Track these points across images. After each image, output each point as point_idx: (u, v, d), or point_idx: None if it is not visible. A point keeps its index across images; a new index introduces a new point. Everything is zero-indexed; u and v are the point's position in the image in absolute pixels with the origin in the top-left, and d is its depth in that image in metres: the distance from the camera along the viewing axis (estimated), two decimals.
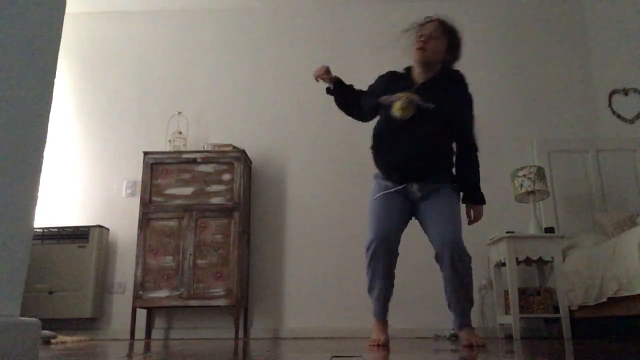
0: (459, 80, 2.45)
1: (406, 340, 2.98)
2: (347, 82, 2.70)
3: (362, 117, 2.68)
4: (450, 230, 2.32)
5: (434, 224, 2.37)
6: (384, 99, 2.39)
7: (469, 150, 2.44)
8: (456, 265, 2.29)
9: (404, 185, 2.37)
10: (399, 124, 2.30)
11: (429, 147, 2.33)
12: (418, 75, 2.43)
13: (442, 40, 2.40)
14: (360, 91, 2.65)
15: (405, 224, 2.47)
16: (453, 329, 3.63)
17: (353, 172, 4.08)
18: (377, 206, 2.42)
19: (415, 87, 2.36)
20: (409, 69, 2.50)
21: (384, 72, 2.63)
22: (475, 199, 2.43)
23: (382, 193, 2.41)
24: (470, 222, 2.49)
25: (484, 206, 2.49)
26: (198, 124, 4.29)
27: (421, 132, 2.31)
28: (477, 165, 2.45)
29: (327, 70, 2.59)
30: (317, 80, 2.62)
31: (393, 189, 2.39)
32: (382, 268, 2.39)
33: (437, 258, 2.39)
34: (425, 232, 2.45)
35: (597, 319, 3.25)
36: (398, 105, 2.28)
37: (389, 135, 2.40)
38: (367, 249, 2.39)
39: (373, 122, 2.57)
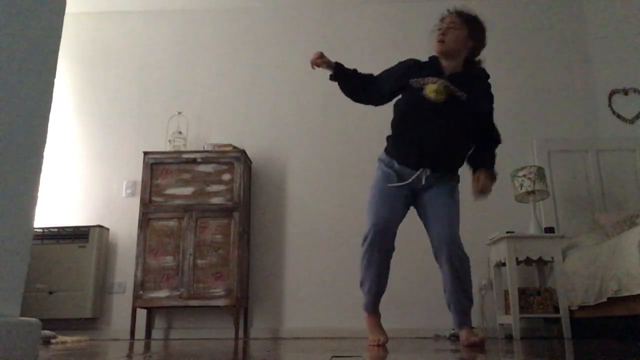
0: (486, 77, 2.49)
1: (406, 340, 2.98)
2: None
3: (373, 100, 2.60)
4: (450, 231, 2.34)
5: (434, 220, 2.37)
6: (416, 80, 2.36)
7: (493, 142, 2.49)
8: (455, 265, 2.31)
9: (413, 177, 2.36)
10: (430, 106, 2.29)
11: (452, 136, 2.34)
12: (446, 67, 2.42)
13: (462, 30, 2.39)
14: (367, 75, 2.58)
15: (404, 214, 2.47)
16: (453, 329, 3.64)
17: (353, 172, 4.08)
18: (379, 194, 2.40)
19: (446, 75, 2.36)
20: (433, 59, 2.48)
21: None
22: (486, 164, 2.43)
23: (388, 185, 2.40)
24: (476, 192, 2.45)
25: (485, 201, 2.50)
26: (198, 124, 4.29)
27: (448, 120, 2.31)
28: (494, 154, 2.50)
29: (322, 55, 2.54)
30: (313, 68, 2.57)
31: (399, 184, 2.37)
32: (377, 259, 2.38)
33: (436, 257, 2.41)
34: (424, 224, 2.44)
35: (597, 319, 3.25)
36: (434, 87, 2.29)
37: (417, 114, 2.36)
38: (365, 239, 2.38)
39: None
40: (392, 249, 2.43)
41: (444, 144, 2.34)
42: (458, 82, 2.34)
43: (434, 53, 2.46)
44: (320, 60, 2.53)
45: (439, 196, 2.39)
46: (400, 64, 2.55)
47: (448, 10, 2.47)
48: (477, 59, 2.51)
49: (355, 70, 2.58)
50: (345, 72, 2.57)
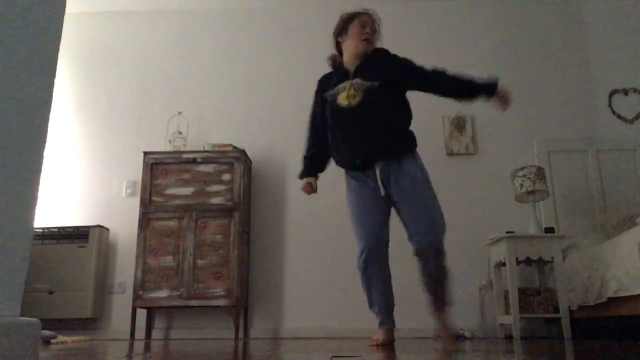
0: (386, 52, 2.54)
1: (407, 340, 2.98)
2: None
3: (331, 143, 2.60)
4: (428, 226, 2.30)
5: (409, 214, 2.34)
6: (328, 93, 2.47)
7: (439, 74, 2.43)
8: (429, 264, 2.33)
9: (371, 168, 2.38)
10: (348, 111, 2.37)
11: (384, 122, 2.36)
12: (348, 63, 2.51)
13: (378, 32, 2.56)
14: (315, 144, 2.68)
15: (387, 215, 2.45)
16: (461, 329, 3.64)
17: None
18: (356, 206, 2.41)
19: (351, 73, 2.44)
20: (337, 64, 2.57)
21: None
22: (489, 91, 2.41)
23: (356, 185, 2.43)
24: (503, 108, 2.45)
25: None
26: (198, 124, 4.29)
27: (373, 111, 2.35)
28: (457, 76, 2.42)
29: (311, 186, 2.67)
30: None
31: (364, 176, 2.40)
32: (378, 275, 2.38)
33: (415, 253, 2.37)
34: (402, 221, 2.40)
35: (597, 319, 3.25)
36: (344, 95, 2.39)
37: (342, 125, 2.43)
38: (359, 258, 2.37)
39: None
40: (387, 261, 2.43)
41: (380, 134, 2.35)
42: (364, 70, 2.42)
43: (359, 49, 2.50)
44: (311, 189, 2.67)
45: (405, 180, 2.35)
46: (315, 93, 2.65)
47: (367, 14, 2.56)
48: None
49: (313, 158, 2.69)
50: (316, 168, 2.70)
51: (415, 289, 3.86)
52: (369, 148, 2.36)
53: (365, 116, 2.35)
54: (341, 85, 2.42)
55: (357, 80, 2.38)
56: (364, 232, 2.37)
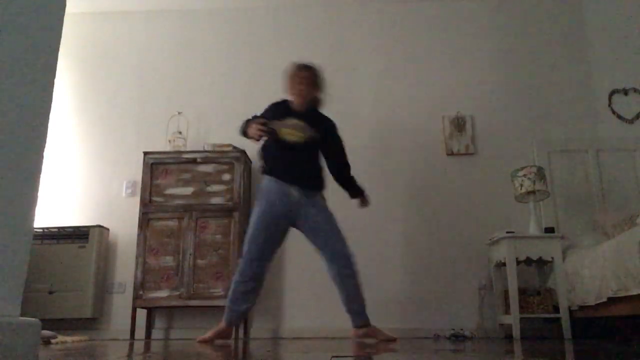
0: (333, 127, 3.07)
1: (406, 340, 2.98)
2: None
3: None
4: (341, 246, 2.83)
5: (322, 239, 2.85)
6: (274, 122, 2.88)
7: (347, 167, 3.14)
8: (348, 278, 2.82)
9: (291, 188, 2.85)
10: (289, 145, 2.85)
11: (310, 163, 2.92)
12: (296, 106, 3.00)
13: (312, 84, 3.01)
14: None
15: (283, 237, 2.94)
16: (453, 329, 3.65)
17: (352, 172, 4.08)
18: (261, 224, 2.84)
19: (296, 113, 2.93)
20: (286, 101, 3.06)
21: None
22: (361, 194, 3.21)
23: (267, 200, 2.88)
24: (362, 206, 3.27)
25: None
26: (198, 124, 4.29)
27: (308, 152, 2.90)
28: (347, 177, 3.16)
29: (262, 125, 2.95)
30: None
31: (277, 193, 2.85)
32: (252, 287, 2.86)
33: (330, 268, 2.86)
34: (312, 241, 2.90)
35: (597, 319, 3.25)
36: (288, 130, 2.84)
37: (281, 151, 2.89)
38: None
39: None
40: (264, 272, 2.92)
41: (306, 170, 2.90)
42: (307, 118, 2.91)
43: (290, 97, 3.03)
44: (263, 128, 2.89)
45: (317, 211, 2.87)
46: (265, 110, 3.08)
47: (298, 66, 3.04)
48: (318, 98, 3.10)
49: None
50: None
51: (415, 289, 3.88)
52: (297, 174, 2.87)
53: (301, 153, 2.88)
54: (289, 122, 2.86)
55: (303, 125, 2.86)
56: (252, 247, 2.85)
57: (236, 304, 2.84)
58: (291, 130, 2.83)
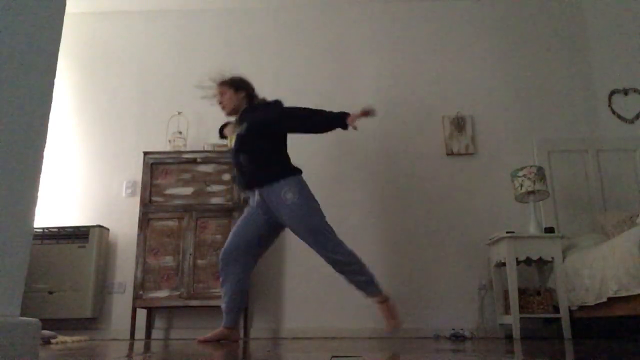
0: (265, 104, 3.12)
1: (406, 340, 2.98)
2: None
3: None
4: (322, 252, 2.86)
5: (304, 240, 2.88)
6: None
7: (316, 122, 3.00)
8: (346, 276, 2.86)
9: (251, 193, 2.95)
10: (234, 153, 2.97)
11: (255, 160, 2.91)
12: (231, 118, 3.17)
13: (228, 91, 3.12)
14: None
15: (260, 233, 2.95)
16: (453, 329, 3.64)
17: (352, 172, 4.08)
18: (240, 219, 3.00)
19: (235, 122, 3.08)
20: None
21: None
22: (345, 116, 2.91)
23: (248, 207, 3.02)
24: (369, 116, 2.98)
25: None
26: (198, 124, 4.29)
27: (246, 151, 2.92)
28: (316, 112, 3.00)
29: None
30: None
31: (253, 203, 2.95)
32: (226, 278, 2.91)
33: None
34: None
35: (597, 319, 3.25)
36: (232, 137, 3.01)
37: (234, 165, 3.01)
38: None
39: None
40: (242, 267, 2.95)
41: (255, 169, 2.91)
42: (244, 117, 3.01)
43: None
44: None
45: (283, 214, 2.84)
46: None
47: (218, 85, 3.19)
48: (257, 95, 3.19)
49: None
50: None
51: (415, 289, 3.88)
52: (248, 178, 2.94)
53: (244, 155, 2.93)
54: (232, 131, 3.05)
55: (234, 127, 3.04)
56: (228, 239, 2.94)
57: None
58: (230, 137, 3.02)
